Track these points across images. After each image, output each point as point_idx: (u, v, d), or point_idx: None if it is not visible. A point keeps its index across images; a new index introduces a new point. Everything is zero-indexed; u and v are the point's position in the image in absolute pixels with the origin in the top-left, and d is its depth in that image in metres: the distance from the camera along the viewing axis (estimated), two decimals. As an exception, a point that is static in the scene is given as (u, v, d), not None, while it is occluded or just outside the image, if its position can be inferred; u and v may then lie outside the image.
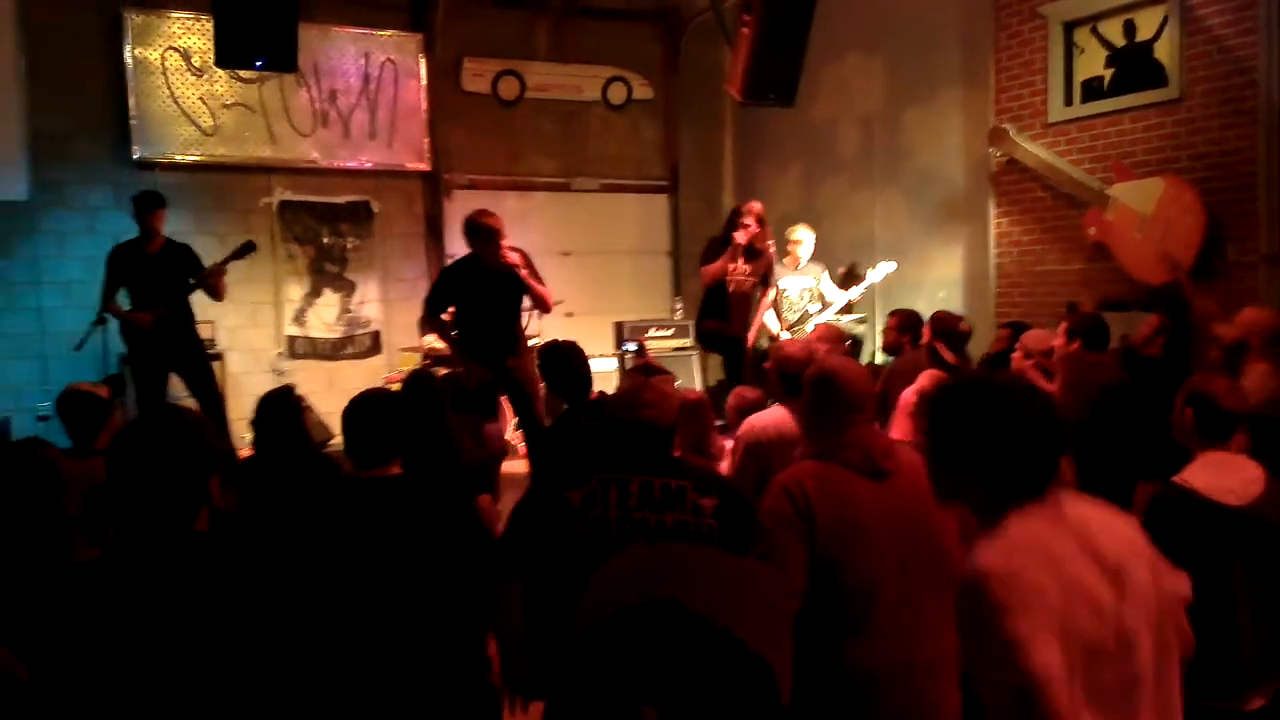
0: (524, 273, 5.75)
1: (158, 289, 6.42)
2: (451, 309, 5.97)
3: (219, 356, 7.97)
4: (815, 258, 7.74)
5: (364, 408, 2.84)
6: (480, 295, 5.75)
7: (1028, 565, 1.66)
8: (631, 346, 8.32)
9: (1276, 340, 4.33)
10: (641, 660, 0.82)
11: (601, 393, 4.22)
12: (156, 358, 6.44)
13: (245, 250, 6.62)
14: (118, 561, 1.95)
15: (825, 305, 7.50)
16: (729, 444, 4.17)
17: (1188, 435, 2.93)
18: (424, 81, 9.40)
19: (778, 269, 7.18)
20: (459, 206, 9.54)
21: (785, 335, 6.93)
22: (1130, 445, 3.67)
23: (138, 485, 1.95)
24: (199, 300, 6.68)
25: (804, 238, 7.54)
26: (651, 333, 8.82)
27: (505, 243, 5.73)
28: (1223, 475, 2.77)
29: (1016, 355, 4.95)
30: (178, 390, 6.73)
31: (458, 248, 9.36)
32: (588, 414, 3.97)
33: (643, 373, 2.79)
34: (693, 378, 8.54)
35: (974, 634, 1.67)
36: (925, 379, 3.86)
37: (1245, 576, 2.71)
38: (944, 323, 5.61)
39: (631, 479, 2.64)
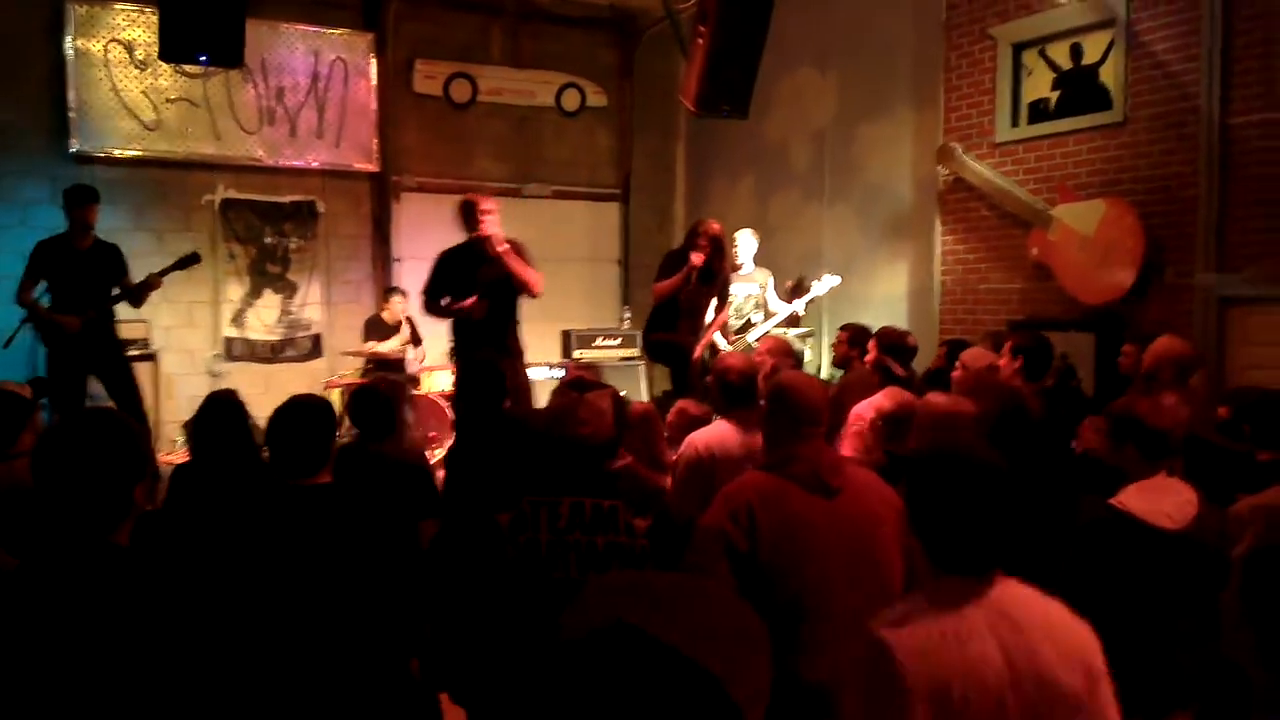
0: (508, 255, 5.66)
1: (84, 289, 6.17)
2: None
3: (153, 356, 7.77)
4: (765, 268, 7.75)
5: (293, 415, 2.76)
6: (473, 276, 5.68)
7: (935, 647, 1.72)
8: (560, 371, 8.22)
9: (1185, 370, 4.41)
10: (604, 685, 0.82)
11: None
12: (77, 359, 6.19)
13: (188, 261, 6.40)
14: (39, 572, 1.86)
15: (769, 314, 7.50)
16: (674, 456, 4.13)
17: (1127, 462, 2.95)
18: (374, 81, 9.29)
19: None
20: (407, 209, 9.45)
21: (727, 347, 6.91)
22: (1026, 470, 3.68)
23: (63, 491, 1.87)
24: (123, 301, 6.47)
25: (743, 241, 7.53)
26: (599, 342, 8.77)
27: (493, 225, 5.67)
28: (1159, 499, 2.80)
29: (957, 373, 4.97)
30: (97, 391, 6.50)
31: (405, 250, 9.32)
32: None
33: (576, 387, 2.73)
34: (639, 389, 8.50)
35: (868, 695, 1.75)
36: (886, 399, 3.84)
37: (1176, 599, 2.73)
38: (891, 337, 5.63)
39: (562, 500, 2.59)
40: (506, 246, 5.68)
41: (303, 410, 2.80)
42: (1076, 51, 6.89)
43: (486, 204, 5.74)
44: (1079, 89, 6.89)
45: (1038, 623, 1.77)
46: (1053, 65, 7.06)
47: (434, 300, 5.88)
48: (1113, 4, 6.50)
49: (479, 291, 5.66)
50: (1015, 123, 7.25)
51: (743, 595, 2.46)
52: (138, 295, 6.32)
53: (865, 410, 4.60)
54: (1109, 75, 6.66)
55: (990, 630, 1.73)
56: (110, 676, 1.75)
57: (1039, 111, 7.17)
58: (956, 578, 1.79)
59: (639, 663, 0.88)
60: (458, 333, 5.89)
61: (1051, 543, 2.69)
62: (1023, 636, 1.74)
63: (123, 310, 6.48)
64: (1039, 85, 7.17)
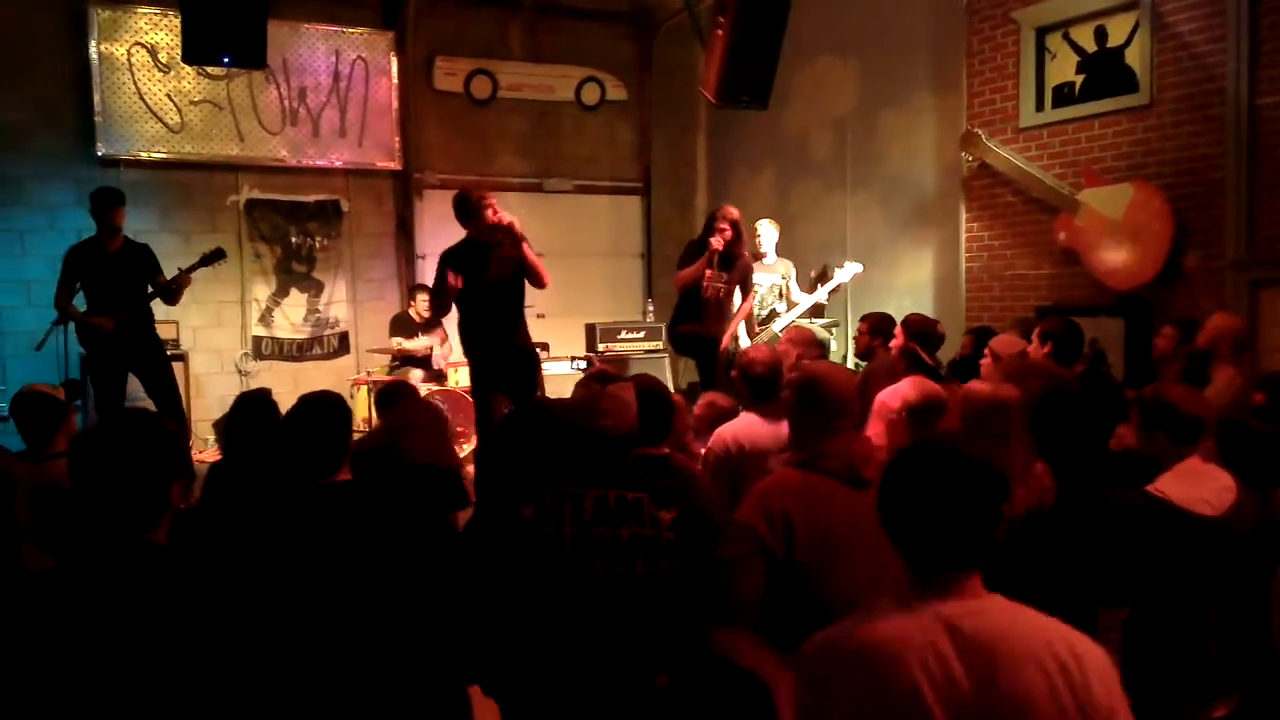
0: (517, 234, 5.43)
1: (116, 290, 6.27)
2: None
3: (183, 357, 7.84)
4: (787, 259, 7.72)
5: (311, 414, 2.78)
6: (479, 274, 5.49)
7: (853, 669, 1.64)
8: (582, 364, 8.24)
9: (1243, 345, 4.36)
10: None
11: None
12: (116, 360, 6.30)
13: (214, 257, 6.49)
14: (77, 571, 1.88)
15: (792, 304, 7.47)
16: (704, 450, 4.12)
17: (1160, 447, 2.92)
18: (395, 80, 9.31)
19: None
20: (430, 206, 9.48)
21: (747, 342, 6.89)
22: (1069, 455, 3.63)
23: (101, 491, 1.89)
24: (159, 300, 6.56)
25: (765, 230, 7.49)
26: (623, 335, 8.77)
27: (500, 217, 5.43)
28: (1196, 485, 2.77)
29: (986, 361, 4.93)
30: (135, 391, 6.59)
31: (429, 247, 9.35)
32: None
33: (599, 380, 2.73)
34: (665, 381, 8.50)
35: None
36: (911, 389, 3.81)
37: (1216, 587, 2.70)
38: (919, 324, 5.58)
39: (586, 493, 2.58)
40: (507, 220, 5.41)
41: (315, 409, 2.82)
42: (1101, 34, 6.82)
43: (490, 199, 5.51)
44: (1104, 72, 6.81)
45: (1001, 631, 1.61)
46: (1077, 48, 6.99)
47: (443, 298, 5.66)
48: (1138, -15, 6.43)
49: (485, 293, 5.50)
50: (1040, 107, 7.18)
51: (774, 595, 2.46)
52: (171, 292, 6.40)
53: (890, 398, 4.57)
54: (1135, 57, 6.59)
55: (948, 643, 1.60)
56: (151, 673, 1.77)
57: (1063, 95, 7.10)
58: (921, 583, 1.67)
59: None
60: (464, 328, 5.76)
61: (1085, 533, 2.66)
62: (982, 644, 1.59)
63: (155, 310, 6.55)
64: (1063, 69, 7.10)
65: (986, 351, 4.96)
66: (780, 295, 7.52)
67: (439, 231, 9.14)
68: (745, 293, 6.80)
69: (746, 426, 3.91)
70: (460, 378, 8.09)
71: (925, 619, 1.63)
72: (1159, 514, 2.74)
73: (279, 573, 2.48)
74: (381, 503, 2.75)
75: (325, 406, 2.82)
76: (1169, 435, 2.92)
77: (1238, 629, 2.72)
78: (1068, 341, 4.74)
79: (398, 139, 9.34)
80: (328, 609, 2.47)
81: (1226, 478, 2.81)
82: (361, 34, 9.21)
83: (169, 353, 7.13)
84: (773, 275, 7.47)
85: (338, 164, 9.14)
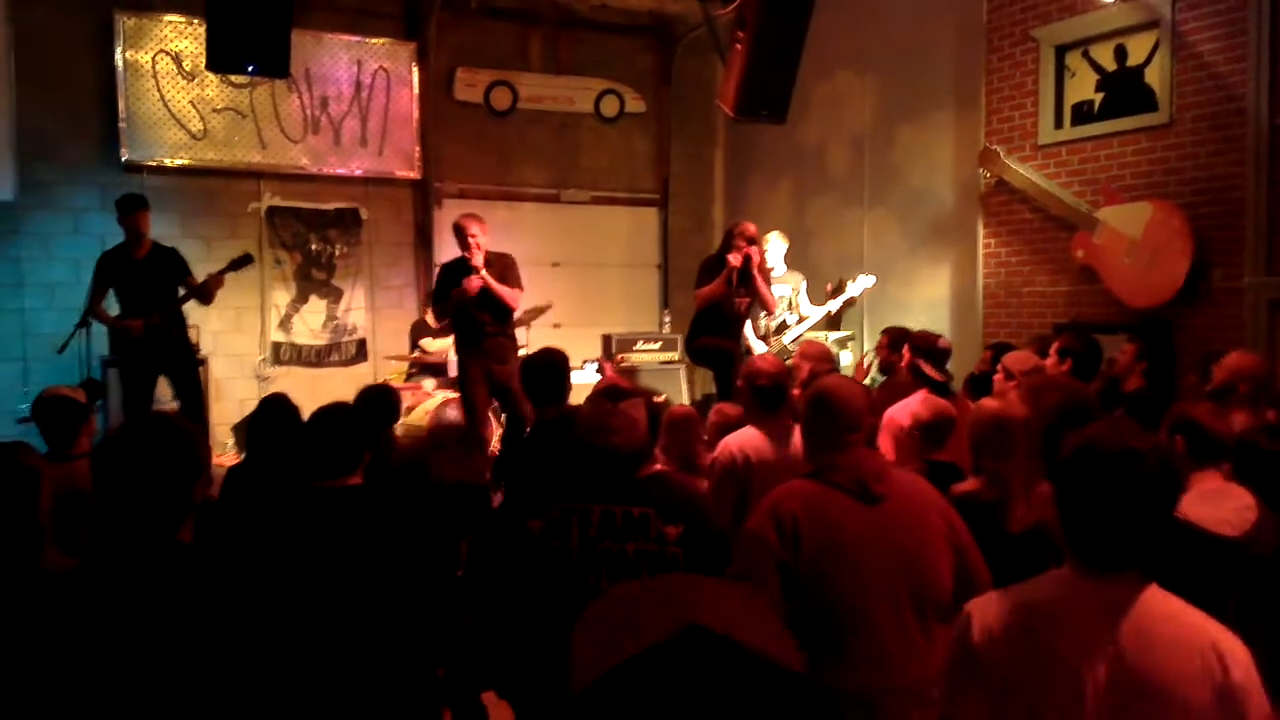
0: (487, 273, 6.15)
1: (147, 294, 6.37)
2: None
3: (203, 361, 7.91)
4: (805, 274, 7.74)
5: (327, 419, 2.82)
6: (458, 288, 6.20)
7: (1015, 628, 1.74)
8: (593, 368, 8.26)
9: (1261, 387, 4.21)
10: (685, 696, 0.73)
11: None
12: (146, 362, 6.39)
13: (243, 262, 6.59)
14: (99, 570, 1.91)
15: (803, 317, 7.50)
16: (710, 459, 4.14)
17: (1179, 463, 2.90)
18: (416, 90, 9.38)
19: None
20: (449, 215, 9.47)
21: (762, 348, 6.97)
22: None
23: (125, 492, 1.92)
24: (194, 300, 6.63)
25: (773, 243, 7.52)
26: (639, 345, 8.80)
27: (479, 245, 6.15)
28: (1217, 505, 2.75)
29: (998, 377, 4.94)
30: (159, 394, 6.66)
31: (447, 256, 9.35)
32: (556, 426, 3.95)
33: (609, 396, 2.74)
34: (680, 392, 8.52)
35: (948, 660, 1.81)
36: (922, 406, 3.81)
37: (1238, 609, 2.68)
38: (923, 341, 5.62)
39: (592, 509, 2.60)
40: (486, 275, 6.18)
41: (332, 415, 2.86)
42: (1121, 53, 6.82)
43: (474, 228, 6.19)
44: (1124, 90, 6.81)
45: (1161, 630, 1.73)
46: (1097, 66, 6.99)
47: (440, 304, 6.53)
48: (1157, 5, 6.43)
49: (464, 300, 6.22)
50: (1059, 124, 7.18)
51: (786, 603, 2.48)
52: (205, 293, 6.48)
53: (899, 414, 4.58)
54: (1154, 77, 6.58)
55: (1103, 630, 1.71)
56: (176, 670, 1.79)
57: (1083, 113, 7.09)
58: (1092, 574, 1.77)
59: (722, 668, 0.80)
60: (457, 331, 6.45)
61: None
62: (1139, 643, 1.70)
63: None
64: (1082, 87, 7.10)
65: (999, 368, 4.97)
66: (790, 307, 7.54)
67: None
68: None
69: (752, 437, 3.93)
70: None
71: (1089, 600, 1.75)
72: (1179, 534, 2.73)
73: (289, 572, 2.51)
74: (382, 508, 2.77)
75: (339, 413, 2.86)
76: (1187, 444, 2.90)
77: (1261, 652, 2.69)
78: (1086, 359, 4.74)
79: (418, 148, 9.40)
80: (334, 612, 2.50)
81: (1247, 497, 2.79)
82: (384, 44, 9.29)
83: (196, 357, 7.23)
84: (782, 287, 7.50)
85: (358, 172, 9.21)
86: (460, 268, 6.25)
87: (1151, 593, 1.76)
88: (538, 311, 8.27)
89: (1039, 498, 2.73)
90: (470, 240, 6.18)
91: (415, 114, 9.38)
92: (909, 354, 5.53)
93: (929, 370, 5.35)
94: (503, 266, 6.29)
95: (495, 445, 6.55)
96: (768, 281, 6.83)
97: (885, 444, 4.33)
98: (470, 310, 6.23)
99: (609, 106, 10.30)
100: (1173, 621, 1.74)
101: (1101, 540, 1.75)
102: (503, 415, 6.77)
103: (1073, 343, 4.84)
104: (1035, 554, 2.59)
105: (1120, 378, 5.17)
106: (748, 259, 6.47)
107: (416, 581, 2.68)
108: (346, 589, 2.54)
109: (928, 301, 8.16)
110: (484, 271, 6.14)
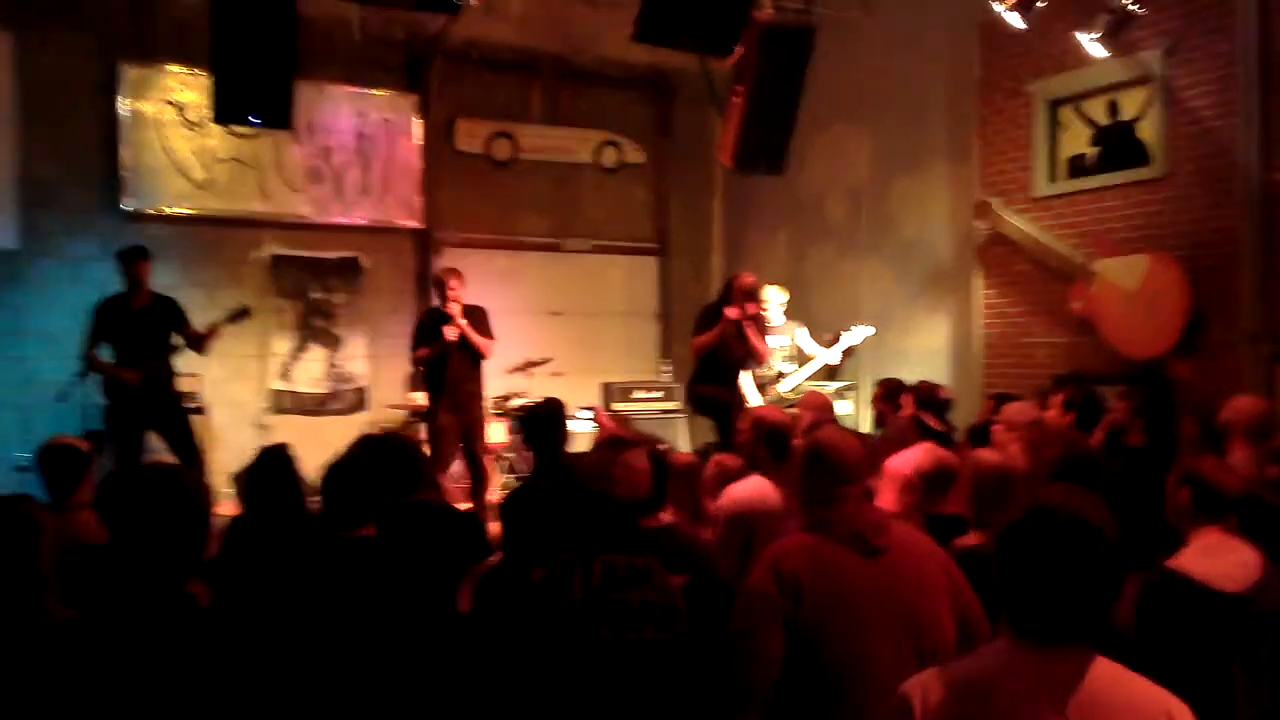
0: (462, 323, 6.58)
1: (143, 344, 6.36)
2: None
3: (202, 410, 7.89)
4: (804, 323, 7.78)
5: (345, 469, 2.82)
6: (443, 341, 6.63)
7: (958, 707, 1.68)
8: (587, 414, 8.24)
9: (1263, 430, 4.29)
10: None
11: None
12: (137, 414, 6.35)
13: (240, 315, 6.61)
14: (107, 621, 1.90)
15: (808, 357, 7.53)
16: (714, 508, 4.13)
17: (1182, 514, 2.90)
18: (418, 140, 9.47)
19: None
20: (449, 264, 9.57)
21: (759, 400, 6.99)
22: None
23: (138, 543, 1.92)
24: (183, 353, 6.63)
25: (772, 297, 7.57)
26: (637, 394, 8.80)
27: (456, 297, 6.59)
28: (1218, 560, 2.74)
29: (998, 429, 4.95)
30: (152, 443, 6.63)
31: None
32: (556, 475, 3.95)
33: (612, 446, 2.75)
34: (680, 441, 8.51)
35: None
36: (925, 456, 3.82)
37: (1242, 665, 2.66)
38: (924, 392, 5.65)
39: (595, 559, 2.59)
40: (464, 323, 6.62)
41: (352, 464, 2.86)
42: (1113, 108, 6.92)
43: (452, 281, 6.67)
44: (1117, 144, 6.90)
45: (1114, 704, 1.66)
46: (1089, 121, 7.08)
47: (414, 351, 6.91)
48: (1149, 61, 6.54)
49: (440, 345, 6.67)
50: (1053, 177, 7.27)
51: (787, 658, 2.47)
52: (199, 343, 6.48)
53: (900, 465, 4.58)
54: (1147, 131, 6.67)
55: (1049, 704, 1.64)
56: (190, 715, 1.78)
57: (1078, 166, 7.18)
58: (1034, 646, 1.70)
59: None
60: (429, 376, 6.86)
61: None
62: (1093, 713, 1.64)
63: (178, 364, 6.63)
64: (1076, 140, 7.19)
65: (998, 420, 4.98)
66: (788, 357, 7.58)
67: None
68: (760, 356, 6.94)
69: (757, 488, 3.93)
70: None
71: (1033, 674, 1.67)
72: (1179, 590, 2.72)
73: (293, 626, 2.50)
74: (399, 559, 2.76)
75: (359, 461, 2.86)
76: (1193, 497, 2.89)
77: (1265, 709, 2.68)
78: (1088, 410, 4.76)
79: (419, 198, 9.47)
80: (354, 665, 2.48)
81: (1249, 552, 2.78)
82: (386, 96, 9.39)
83: (191, 406, 7.21)
84: (780, 338, 7.54)
85: (360, 221, 9.27)
86: (438, 317, 6.65)
87: (1099, 664, 1.69)
88: (538, 363, 8.30)
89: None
90: (449, 293, 6.60)
91: (417, 164, 9.47)
92: (911, 405, 5.55)
93: (931, 421, 5.36)
94: (477, 318, 6.71)
95: (498, 494, 6.55)
96: (765, 334, 6.89)
97: (887, 495, 4.33)
98: (446, 360, 6.63)
99: (608, 157, 10.41)
100: (1123, 690, 1.67)
101: (1047, 611, 1.69)
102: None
103: (1075, 395, 4.86)
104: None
105: (1120, 432, 5.18)
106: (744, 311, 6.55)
107: (427, 632, 2.66)
108: (365, 640, 2.53)
109: (925, 351, 8.19)
110: (461, 321, 6.54)
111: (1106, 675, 1.68)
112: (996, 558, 1.76)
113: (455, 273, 6.79)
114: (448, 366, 6.65)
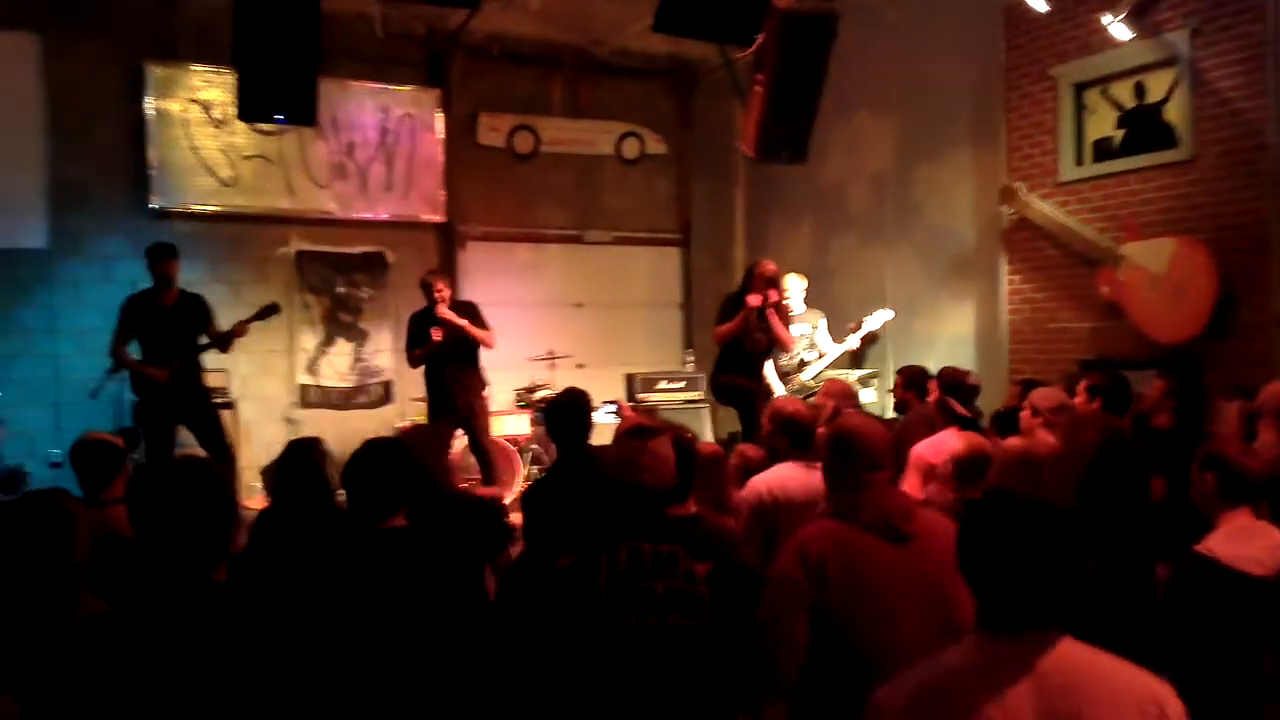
0: (461, 322, 6.76)
1: (171, 341, 6.41)
2: None
3: (231, 405, 7.98)
4: (827, 312, 7.75)
5: (371, 458, 2.84)
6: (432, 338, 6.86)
7: (930, 706, 1.67)
8: (611, 408, 8.26)
9: None
10: None
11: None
12: (167, 409, 6.42)
13: (268, 312, 6.65)
14: (138, 613, 1.93)
15: (822, 353, 7.51)
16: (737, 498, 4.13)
17: (1208, 500, 2.88)
18: (440, 135, 9.52)
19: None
20: (472, 257, 9.65)
21: (782, 390, 7.01)
22: (1130, 507, 3.60)
23: (162, 534, 1.95)
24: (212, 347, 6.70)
25: (792, 285, 7.55)
26: (662, 385, 8.82)
27: (443, 298, 6.82)
28: (1246, 543, 2.71)
29: (1025, 413, 4.92)
30: (185, 438, 6.70)
31: (471, 298, 9.45)
32: (579, 466, 3.97)
33: (637, 435, 2.75)
34: (704, 431, 8.52)
35: None
36: (960, 442, 3.79)
37: (1270, 649, 2.63)
38: (951, 378, 5.60)
39: (620, 546, 2.60)
40: (450, 316, 6.83)
41: (377, 454, 2.88)
42: (1140, 90, 6.84)
43: (438, 283, 6.90)
44: (1144, 127, 6.82)
45: (1091, 686, 1.63)
46: (1116, 104, 7.01)
47: (409, 352, 7.09)
48: (1175, 42, 6.46)
49: (431, 346, 6.89)
50: (1079, 161, 7.20)
51: (813, 645, 2.47)
52: (225, 342, 6.54)
53: (926, 450, 4.56)
54: (1174, 114, 6.59)
55: (1028, 695, 1.62)
56: (211, 710, 1.81)
57: (1104, 150, 7.10)
58: (1002, 635, 1.69)
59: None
60: (427, 373, 7.06)
61: (1130, 592, 2.62)
62: (1070, 702, 1.61)
63: (207, 359, 6.69)
64: (1102, 124, 7.12)
65: (1025, 405, 4.95)
66: (810, 345, 7.56)
67: (481, 282, 9.32)
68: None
69: (780, 477, 3.93)
70: (501, 426, 8.15)
71: (1025, 671, 1.65)
72: (1207, 574, 2.70)
73: (323, 619, 2.53)
74: (429, 550, 2.79)
75: (384, 451, 2.88)
76: (1218, 482, 2.87)
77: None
78: (1116, 396, 4.72)
79: (442, 192, 9.53)
80: (364, 658, 2.51)
81: (1277, 535, 2.76)
82: (408, 91, 9.45)
83: (220, 400, 7.29)
84: (802, 326, 7.52)
85: (384, 217, 9.34)
86: (426, 318, 6.89)
87: (1071, 647, 1.67)
88: (560, 357, 8.37)
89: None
90: (436, 295, 6.83)
91: (440, 158, 9.52)
92: (937, 390, 5.52)
93: (957, 407, 5.33)
94: (471, 313, 6.92)
95: (519, 486, 6.60)
96: (787, 322, 6.87)
97: (912, 481, 4.32)
98: (439, 360, 6.87)
99: (630, 148, 10.41)
100: (1104, 676, 1.65)
101: (1011, 598, 1.68)
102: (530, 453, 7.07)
103: (1102, 381, 4.82)
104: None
105: (1149, 414, 5.14)
106: (765, 298, 6.53)
107: (458, 622, 2.68)
108: (395, 631, 2.55)
109: (951, 338, 8.15)
110: (449, 316, 6.78)
111: (1080, 658, 1.67)
112: (959, 553, 1.77)
113: (440, 275, 7.07)
114: (442, 366, 6.90)
